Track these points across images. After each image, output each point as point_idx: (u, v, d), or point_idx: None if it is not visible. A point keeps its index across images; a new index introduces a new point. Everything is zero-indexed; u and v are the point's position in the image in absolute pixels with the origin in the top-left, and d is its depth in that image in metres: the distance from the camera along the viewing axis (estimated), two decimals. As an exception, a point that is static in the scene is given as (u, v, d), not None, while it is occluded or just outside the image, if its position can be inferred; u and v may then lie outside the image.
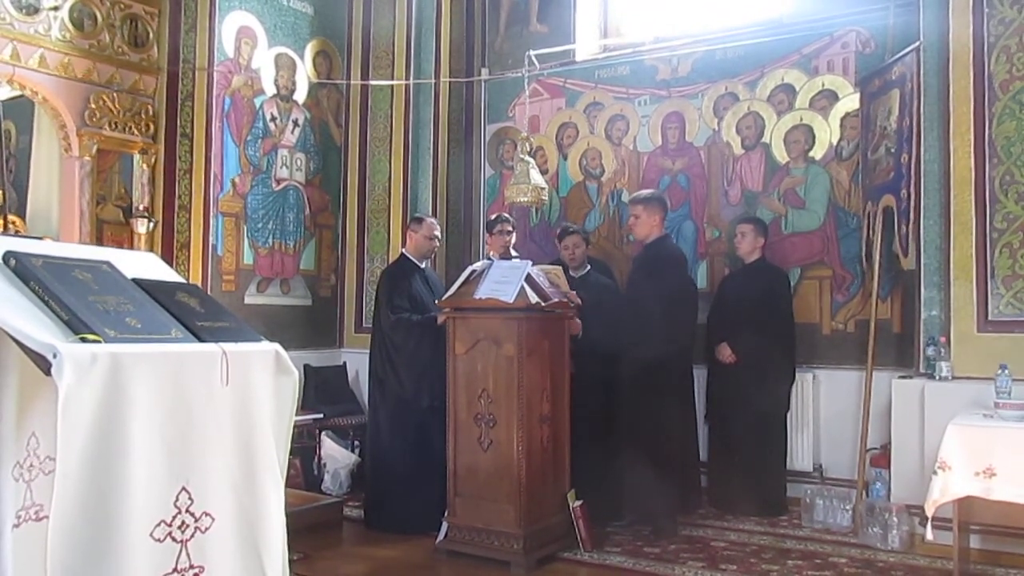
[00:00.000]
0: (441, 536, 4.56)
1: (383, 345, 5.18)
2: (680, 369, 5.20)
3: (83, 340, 1.87)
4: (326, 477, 6.04)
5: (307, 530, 4.66)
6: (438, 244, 5.59)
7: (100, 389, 1.82)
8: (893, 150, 5.13)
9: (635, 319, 4.93)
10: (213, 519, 2.08)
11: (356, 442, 6.26)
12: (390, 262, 6.12)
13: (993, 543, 4.38)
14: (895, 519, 4.58)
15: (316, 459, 6.13)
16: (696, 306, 5.44)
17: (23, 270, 2.02)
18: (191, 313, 2.21)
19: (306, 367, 6.46)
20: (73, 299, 1.97)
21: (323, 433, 6.17)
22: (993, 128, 4.62)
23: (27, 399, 2.22)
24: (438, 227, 5.51)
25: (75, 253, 2.32)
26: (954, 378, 4.58)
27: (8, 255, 2.04)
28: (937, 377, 4.60)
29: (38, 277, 2.00)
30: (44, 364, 1.79)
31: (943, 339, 4.67)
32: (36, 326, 1.87)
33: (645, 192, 5.49)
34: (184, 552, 2.01)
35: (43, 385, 2.13)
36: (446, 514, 4.53)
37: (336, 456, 6.08)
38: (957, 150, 4.69)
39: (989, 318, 4.58)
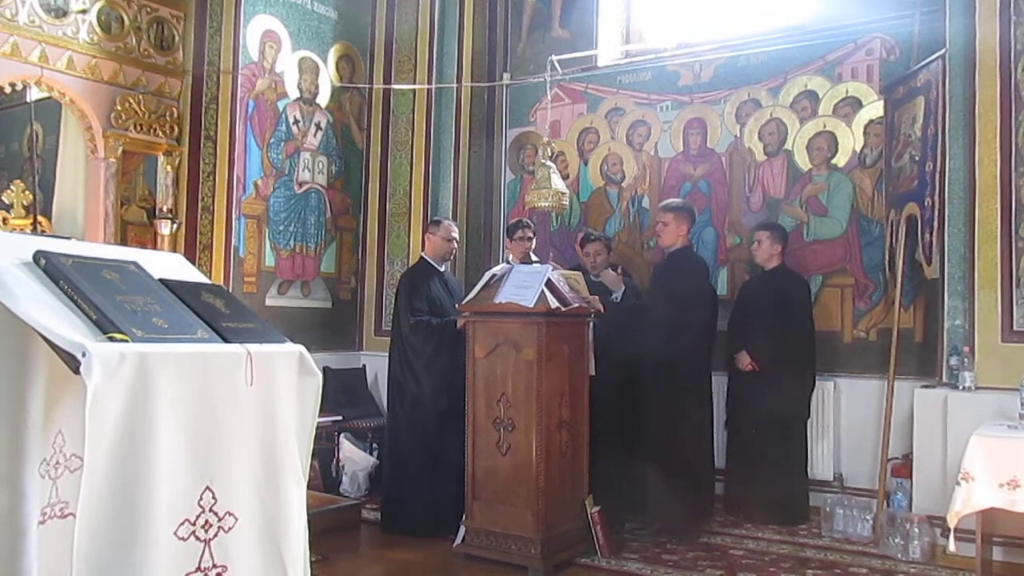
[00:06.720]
0: (458, 540, 4.57)
1: (402, 348, 5.19)
2: (697, 374, 5.16)
3: (111, 339, 1.88)
4: (344, 479, 6.06)
5: (325, 532, 4.66)
6: (456, 246, 5.60)
7: (127, 388, 1.83)
8: (917, 158, 5.09)
9: (653, 325, 4.92)
10: (236, 519, 2.08)
11: (374, 445, 6.27)
12: (410, 265, 6.15)
13: (1016, 555, 4.33)
14: (916, 530, 4.53)
15: (335, 461, 6.15)
16: (715, 313, 5.40)
17: (53, 269, 2.04)
18: (217, 314, 2.23)
19: (325, 369, 6.47)
20: (101, 298, 1.98)
21: (342, 435, 6.20)
22: (1019, 136, 4.58)
23: (54, 397, 2.24)
24: (456, 229, 5.52)
25: (103, 253, 2.33)
26: (977, 388, 4.53)
27: (38, 254, 2.06)
28: (960, 387, 4.56)
29: (67, 276, 2.02)
30: (73, 363, 1.80)
31: (967, 349, 4.63)
32: (65, 325, 1.88)
33: (677, 200, 5.49)
34: (207, 551, 2.02)
35: (70, 383, 2.15)
36: (464, 518, 4.53)
37: (354, 458, 6.10)
38: (983, 158, 4.65)
39: (1014, 328, 4.53)
